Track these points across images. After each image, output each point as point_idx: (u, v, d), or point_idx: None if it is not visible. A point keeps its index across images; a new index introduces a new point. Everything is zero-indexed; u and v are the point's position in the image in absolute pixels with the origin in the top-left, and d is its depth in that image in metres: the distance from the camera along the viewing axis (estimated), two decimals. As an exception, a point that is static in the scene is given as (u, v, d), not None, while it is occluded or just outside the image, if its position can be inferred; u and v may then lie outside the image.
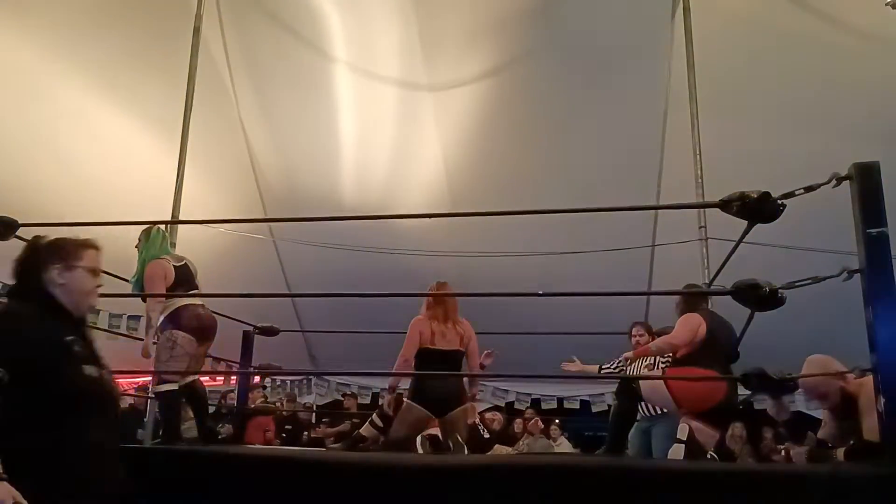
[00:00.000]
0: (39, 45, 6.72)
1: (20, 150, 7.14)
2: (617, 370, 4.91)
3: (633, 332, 5.13)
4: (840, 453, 3.33)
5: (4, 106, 6.82)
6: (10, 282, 2.19)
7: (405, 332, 4.66)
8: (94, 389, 2.06)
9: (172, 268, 4.45)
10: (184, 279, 4.48)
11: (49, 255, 2.17)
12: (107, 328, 7.89)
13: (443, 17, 7.19)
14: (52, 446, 1.92)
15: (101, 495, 2.00)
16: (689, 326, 4.03)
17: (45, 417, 1.94)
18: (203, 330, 4.44)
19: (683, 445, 3.86)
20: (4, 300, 2.21)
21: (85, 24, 6.83)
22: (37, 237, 2.27)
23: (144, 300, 4.36)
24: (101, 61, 7.10)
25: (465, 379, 4.77)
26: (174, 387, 4.33)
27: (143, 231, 4.59)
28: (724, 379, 3.89)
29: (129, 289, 4.54)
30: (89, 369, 2.06)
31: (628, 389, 4.33)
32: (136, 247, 4.60)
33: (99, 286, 2.25)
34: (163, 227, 4.73)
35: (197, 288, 4.55)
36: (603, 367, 5.14)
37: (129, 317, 8.48)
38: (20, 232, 3.61)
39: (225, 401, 8.90)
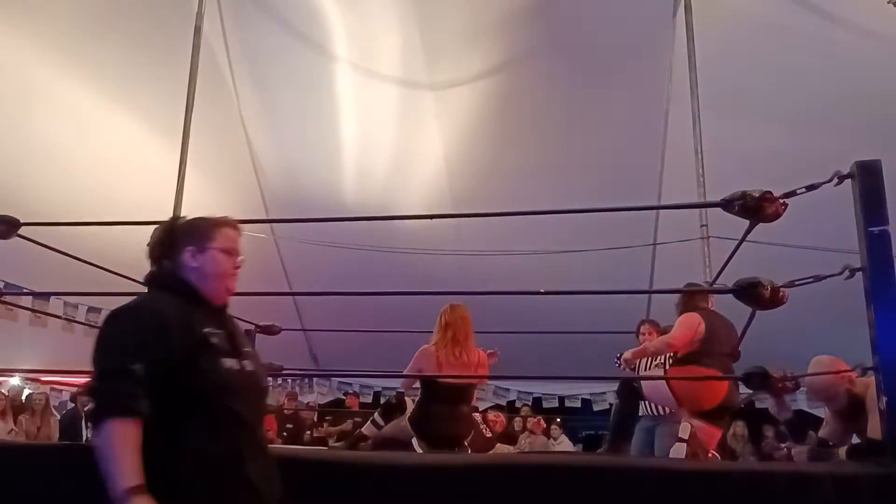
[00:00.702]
0: (40, 45, 6.72)
1: (20, 150, 7.13)
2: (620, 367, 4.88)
3: (642, 331, 5.06)
4: (843, 452, 3.33)
5: (4, 106, 6.82)
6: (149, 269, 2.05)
7: (407, 332, 4.61)
8: (234, 384, 1.88)
9: None
10: None
11: (183, 236, 2.03)
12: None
13: (444, 16, 7.19)
14: (183, 448, 1.77)
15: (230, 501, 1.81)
16: (688, 326, 4.02)
17: (177, 418, 1.77)
18: None
19: (685, 444, 3.86)
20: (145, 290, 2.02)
21: (85, 24, 6.83)
22: (175, 217, 2.10)
23: None
24: (101, 61, 7.09)
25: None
26: None
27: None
28: (725, 378, 3.89)
29: (118, 284, 4.45)
30: (229, 362, 1.89)
31: (630, 388, 4.32)
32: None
33: (237, 268, 2.08)
34: None
35: None
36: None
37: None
38: (21, 231, 3.61)
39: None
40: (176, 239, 2.03)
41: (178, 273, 2.00)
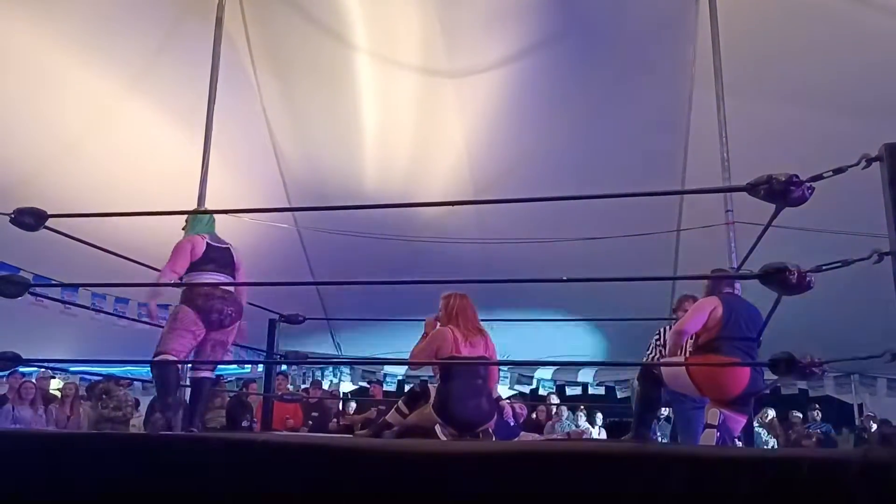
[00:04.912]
0: (63, 39, 6.79)
1: (46, 144, 7.23)
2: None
3: (685, 307, 4.87)
4: None
5: (30, 100, 6.91)
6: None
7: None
8: None
9: (205, 244, 4.35)
10: (214, 258, 4.37)
11: None
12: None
13: (463, 2, 7.15)
14: None
15: None
16: (700, 311, 3.96)
17: None
18: (211, 312, 4.25)
19: (715, 430, 3.80)
20: None
21: (107, 16, 6.88)
22: None
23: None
24: (124, 53, 7.16)
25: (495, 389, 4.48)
26: (169, 357, 4.11)
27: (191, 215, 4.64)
28: (749, 365, 3.83)
29: (144, 275, 4.51)
30: None
31: (650, 375, 4.27)
32: (182, 229, 4.59)
33: None
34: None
35: (231, 274, 4.43)
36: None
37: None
38: (48, 223, 3.66)
39: (247, 389, 9.00)
40: None
41: None
